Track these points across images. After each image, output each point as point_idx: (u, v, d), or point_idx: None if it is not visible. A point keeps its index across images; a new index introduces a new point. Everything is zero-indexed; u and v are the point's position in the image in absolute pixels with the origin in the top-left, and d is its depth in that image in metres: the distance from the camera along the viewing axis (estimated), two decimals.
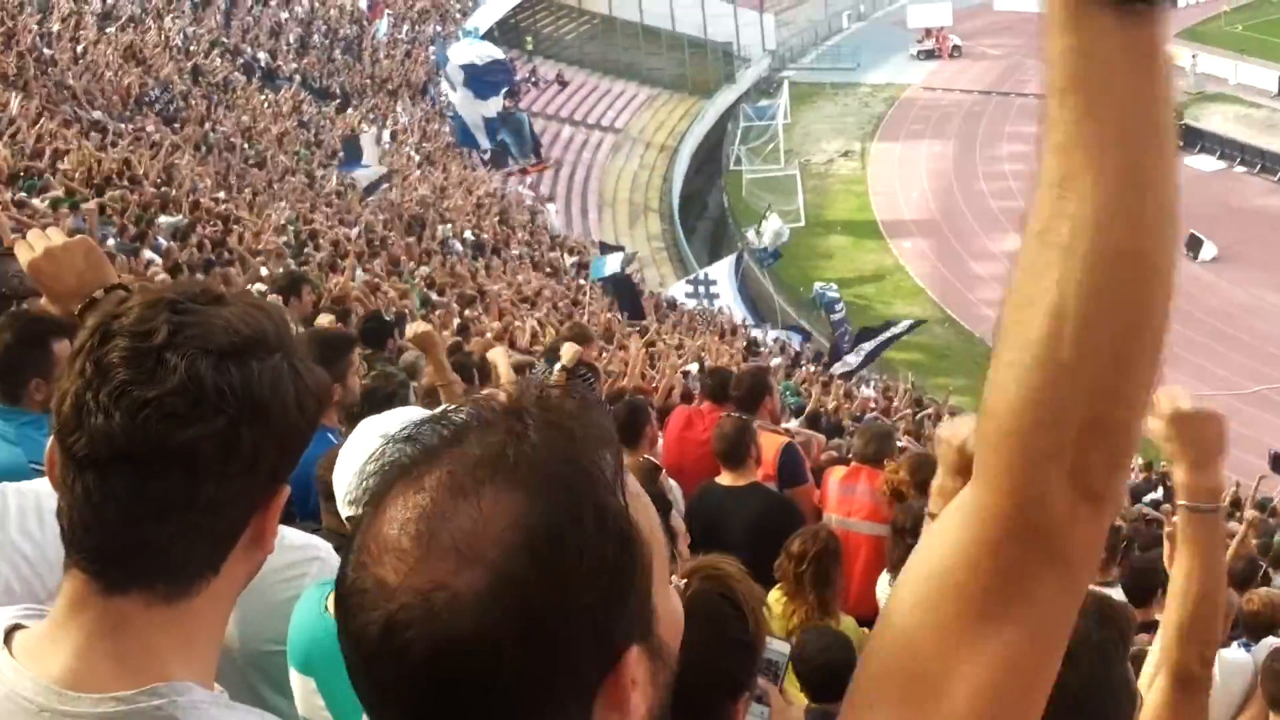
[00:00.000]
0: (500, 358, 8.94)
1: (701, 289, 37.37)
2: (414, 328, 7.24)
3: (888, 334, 29.87)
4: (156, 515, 1.53)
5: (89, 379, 1.53)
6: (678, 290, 37.35)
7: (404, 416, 3.08)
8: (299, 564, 3.00)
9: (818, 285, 40.77)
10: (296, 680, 2.99)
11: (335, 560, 3.05)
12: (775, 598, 5.77)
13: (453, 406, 1.24)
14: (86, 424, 1.51)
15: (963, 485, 3.81)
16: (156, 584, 1.56)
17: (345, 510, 2.99)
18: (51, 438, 1.57)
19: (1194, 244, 40.07)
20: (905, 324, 31.10)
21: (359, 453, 2.95)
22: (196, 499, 1.53)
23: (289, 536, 2.96)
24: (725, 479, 7.09)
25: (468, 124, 39.83)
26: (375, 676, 1.16)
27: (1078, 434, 1.16)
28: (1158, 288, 1.15)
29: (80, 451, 1.52)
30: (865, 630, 5.70)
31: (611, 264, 32.02)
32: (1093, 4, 1.10)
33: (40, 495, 2.54)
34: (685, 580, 2.64)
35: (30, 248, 2.81)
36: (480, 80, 38.85)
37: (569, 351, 8.17)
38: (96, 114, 24.62)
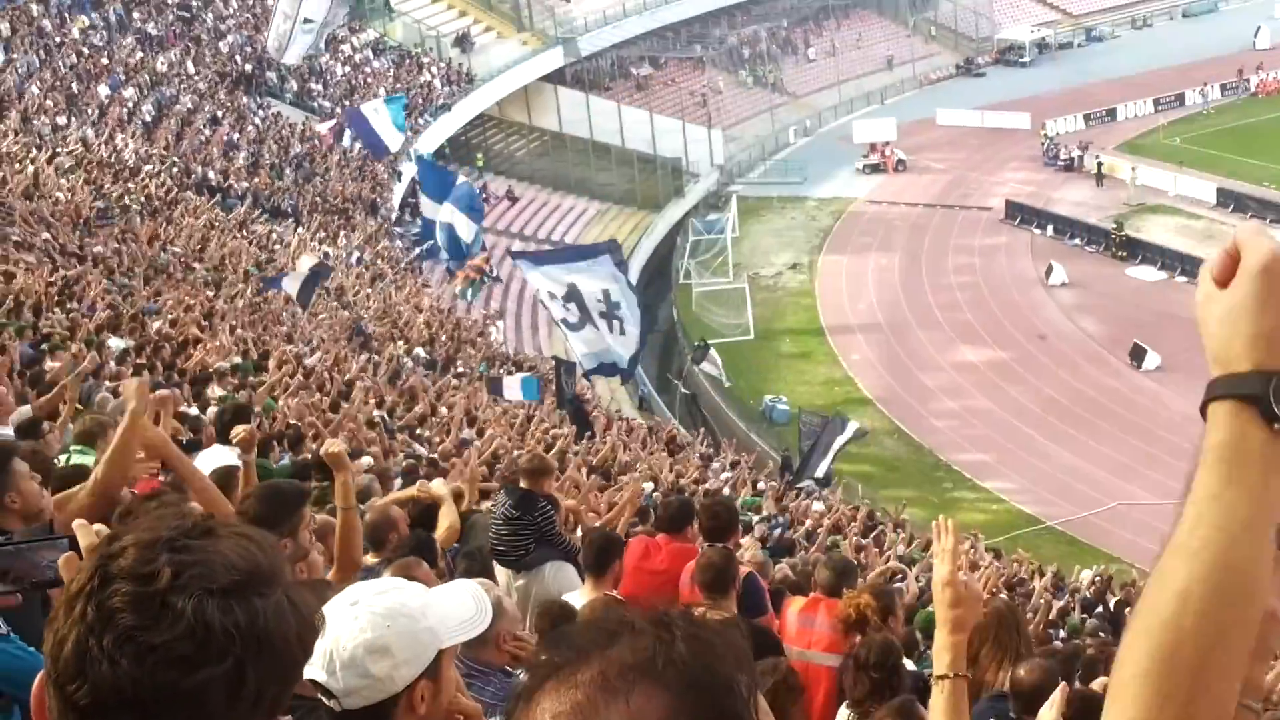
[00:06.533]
0: (441, 489, 8.86)
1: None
2: (329, 444, 6.84)
3: (837, 445, 30.14)
4: None
5: (90, 624, 1.48)
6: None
7: (386, 584, 3.05)
8: None
9: (767, 398, 40.98)
10: None
11: None
12: None
13: (601, 614, 1.35)
14: (90, 672, 1.47)
15: (960, 639, 3.93)
16: None
17: (310, 672, 2.92)
18: (40, 676, 1.53)
19: (1138, 354, 40.59)
20: (851, 429, 31.24)
21: (335, 620, 2.89)
22: None
23: None
24: (705, 610, 7.00)
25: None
26: None
27: (1188, 690, 1.48)
28: (1256, 593, 1.54)
29: (82, 700, 1.47)
30: None
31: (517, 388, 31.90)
32: (1248, 422, 1.57)
33: None
34: None
35: None
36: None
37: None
38: (45, 235, 24.50)
